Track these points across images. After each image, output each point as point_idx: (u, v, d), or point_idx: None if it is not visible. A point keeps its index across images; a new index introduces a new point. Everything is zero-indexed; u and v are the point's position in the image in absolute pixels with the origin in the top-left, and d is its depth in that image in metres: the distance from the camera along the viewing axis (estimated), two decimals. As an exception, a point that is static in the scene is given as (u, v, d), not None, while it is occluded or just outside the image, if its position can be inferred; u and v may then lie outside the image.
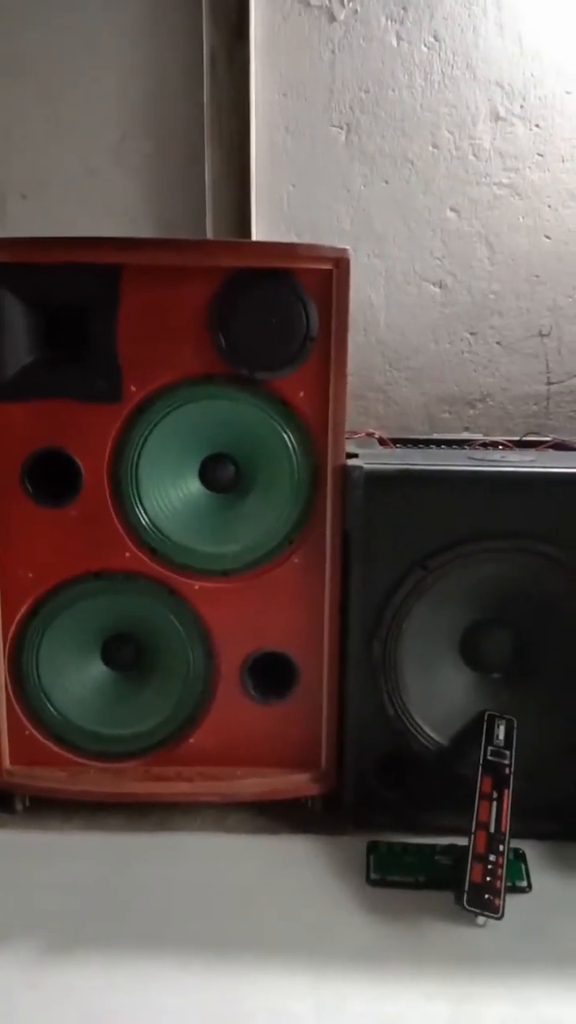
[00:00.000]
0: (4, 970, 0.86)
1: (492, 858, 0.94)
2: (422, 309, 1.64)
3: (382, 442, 1.35)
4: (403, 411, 1.68)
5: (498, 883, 0.92)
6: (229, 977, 0.86)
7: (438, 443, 1.38)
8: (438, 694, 1.08)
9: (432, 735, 1.08)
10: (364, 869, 1.02)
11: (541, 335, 1.65)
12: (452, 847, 1.02)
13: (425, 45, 1.55)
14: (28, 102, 1.58)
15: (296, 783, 1.12)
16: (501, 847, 0.95)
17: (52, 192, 1.60)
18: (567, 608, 1.04)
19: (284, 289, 0.99)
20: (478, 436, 1.48)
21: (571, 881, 1.01)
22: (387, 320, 1.64)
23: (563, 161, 1.58)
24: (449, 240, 1.62)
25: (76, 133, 1.58)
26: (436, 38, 1.54)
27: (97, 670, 1.13)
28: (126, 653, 1.13)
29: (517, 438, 1.42)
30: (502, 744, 1.03)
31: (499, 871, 0.93)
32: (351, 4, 1.53)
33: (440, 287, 1.63)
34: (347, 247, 1.00)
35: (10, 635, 1.09)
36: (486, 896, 0.91)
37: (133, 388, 1.02)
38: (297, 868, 1.04)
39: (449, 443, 1.38)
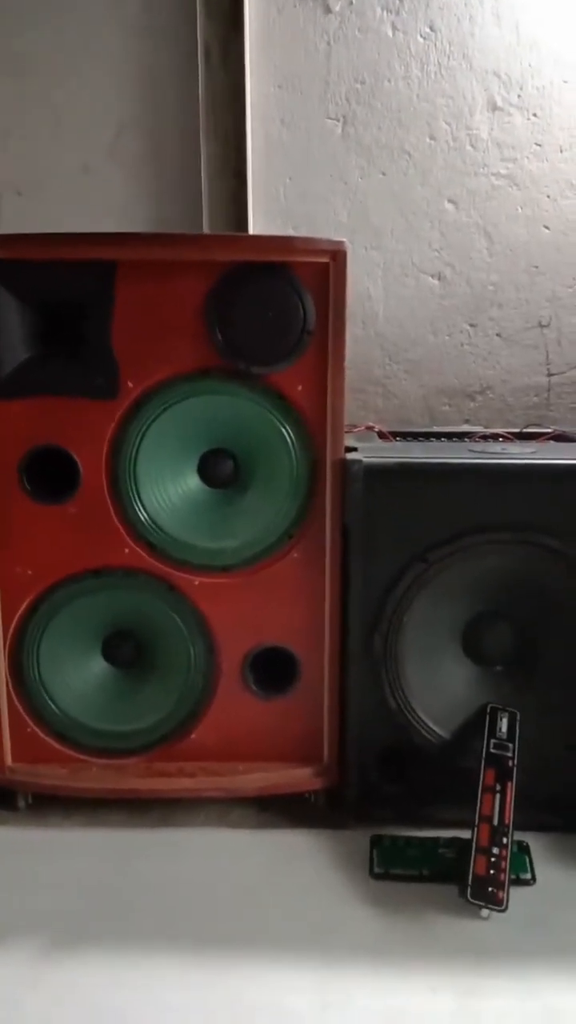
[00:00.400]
0: (6, 968, 0.86)
1: (496, 851, 0.94)
2: (421, 301, 1.64)
3: (381, 435, 1.34)
4: (402, 404, 1.67)
5: (502, 876, 0.92)
6: (233, 972, 0.86)
7: (438, 436, 1.38)
8: (440, 687, 1.08)
9: (434, 728, 1.07)
10: (367, 863, 1.02)
11: (541, 326, 1.64)
12: (455, 840, 1.02)
13: (421, 35, 1.54)
14: (23, 99, 1.57)
15: (298, 778, 1.12)
16: (505, 840, 0.95)
17: (48, 188, 1.60)
18: (568, 600, 1.04)
19: (281, 283, 0.99)
20: (478, 428, 1.47)
21: (575, 873, 1.01)
22: (385, 313, 1.64)
23: (561, 151, 1.57)
24: (447, 231, 1.61)
25: (71, 129, 1.58)
26: (432, 28, 1.53)
27: (98, 667, 1.13)
28: (127, 649, 1.13)
29: (518, 430, 1.42)
30: (505, 737, 1.03)
31: (503, 864, 0.93)
32: (346, -5, 1.53)
33: (439, 279, 1.63)
34: (344, 240, 1.00)
35: (10, 633, 1.09)
36: (490, 889, 0.91)
37: (130, 384, 1.02)
38: (300, 863, 1.03)
39: (449, 436, 1.38)
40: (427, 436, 1.38)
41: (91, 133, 1.59)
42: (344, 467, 1.03)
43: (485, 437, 1.35)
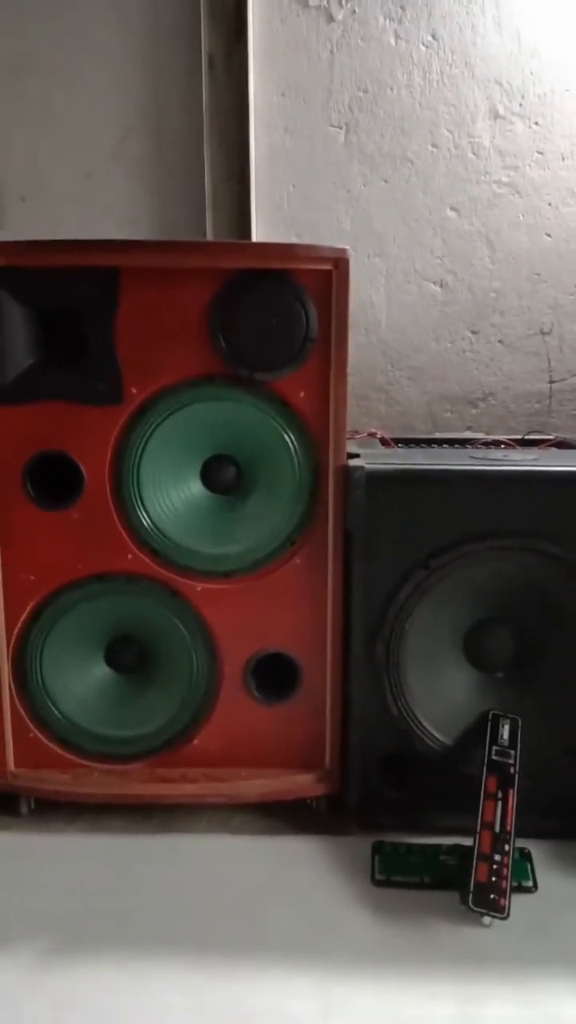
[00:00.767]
0: (8, 972, 0.86)
1: (497, 858, 0.94)
2: (423, 308, 1.64)
3: (384, 442, 1.35)
4: (405, 411, 1.68)
5: (503, 883, 0.92)
6: (234, 978, 0.86)
7: (440, 442, 1.38)
8: (441, 694, 1.08)
9: (436, 735, 1.07)
10: (369, 869, 1.02)
11: (543, 333, 1.65)
12: (457, 847, 1.02)
13: (423, 44, 1.55)
14: (27, 104, 1.58)
15: (300, 784, 1.12)
16: (506, 847, 0.95)
17: (51, 195, 1.61)
18: (570, 606, 1.04)
19: (284, 290, 0.99)
20: (480, 435, 1.47)
21: (577, 880, 1.01)
22: (388, 320, 1.64)
23: (563, 159, 1.58)
24: (449, 239, 1.62)
25: (75, 135, 1.59)
26: (434, 37, 1.54)
27: (100, 672, 1.13)
28: (129, 655, 1.13)
29: (519, 437, 1.42)
30: (506, 744, 1.03)
31: (504, 871, 0.93)
32: (349, 4, 1.53)
33: (441, 286, 1.63)
34: (346, 247, 1.00)
35: (13, 638, 1.09)
36: (491, 896, 0.91)
37: (134, 390, 1.02)
38: (302, 869, 1.03)
39: (451, 442, 1.38)
40: (429, 443, 1.38)
41: (95, 139, 1.60)
42: (347, 473, 1.03)
43: (487, 444, 1.35)
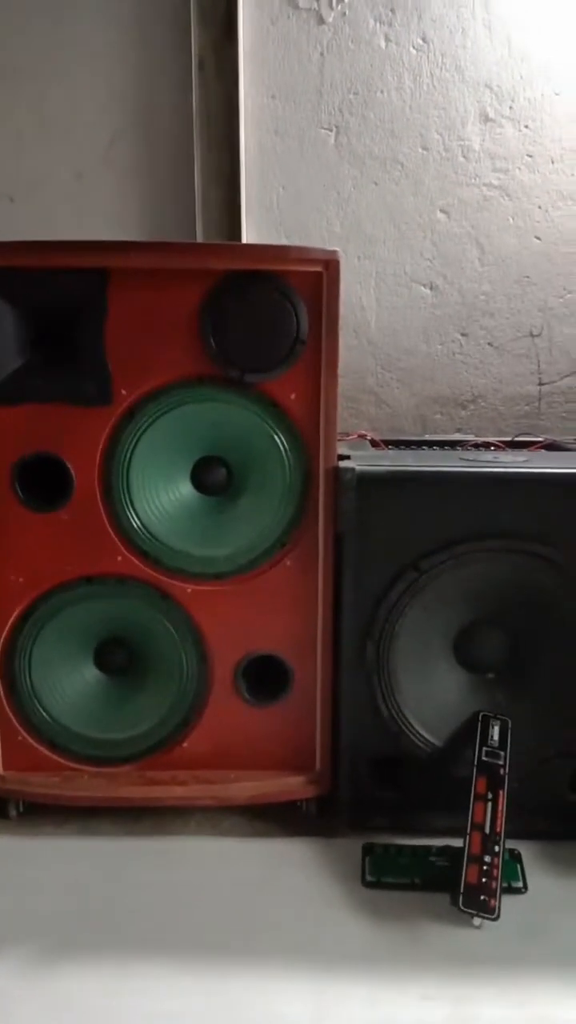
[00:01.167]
0: (-2, 977, 0.86)
1: (487, 859, 0.94)
2: (413, 310, 1.64)
3: (374, 444, 1.35)
4: (395, 412, 1.68)
5: (494, 884, 0.92)
6: (225, 981, 0.86)
7: (430, 444, 1.39)
8: (432, 695, 1.08)
9: (426, 736, 1.08)
10: (359, 871, 1.02)
11: (532, 336, 1.65)
12: (447, 848, 1.02)
13: (414, 47, 1.55)
14: (16, 105, 1.58)
15: (290, 786, 1.12)
16: (496, 848, 0.95)
17: (40, 196, 1.60)
18: (560, 608, 1.04)
19: (274, 291, 0.99)
20: (470, 437, 1.48)
21: (567, 881, 1.01)
22: (378, 322, 1.64)
23: (552, 162, 1.59)
24: (439, 241, 1.62)
25: (64, 136, 1.58)
26: (425, 40, 1.54)
27: (90, 675, 1.13)
28: (119, 657, 1.13)
29: (509, 439, 1.42)
30: (496, 745, 1.03)
31: (494, 872, 0.93)
32: (339, 6, 1.54)
33: (431, 288, 1.64)
34: (337, 249, 1.00)
35: (2, 641, 1.08)
36: (482, 897, 0.91)
37: (123, 391, 1.02)
38: (292, 871, 1.03)
39: (441, 444, 1.39)
40: (419, 444, 1.38)
41: (85, 140, 1.59)
42: (337, 475, 1.03)
43: (477, 446, 1.36)
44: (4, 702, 1.10)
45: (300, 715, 1.11)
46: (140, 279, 0.98)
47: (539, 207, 1.60)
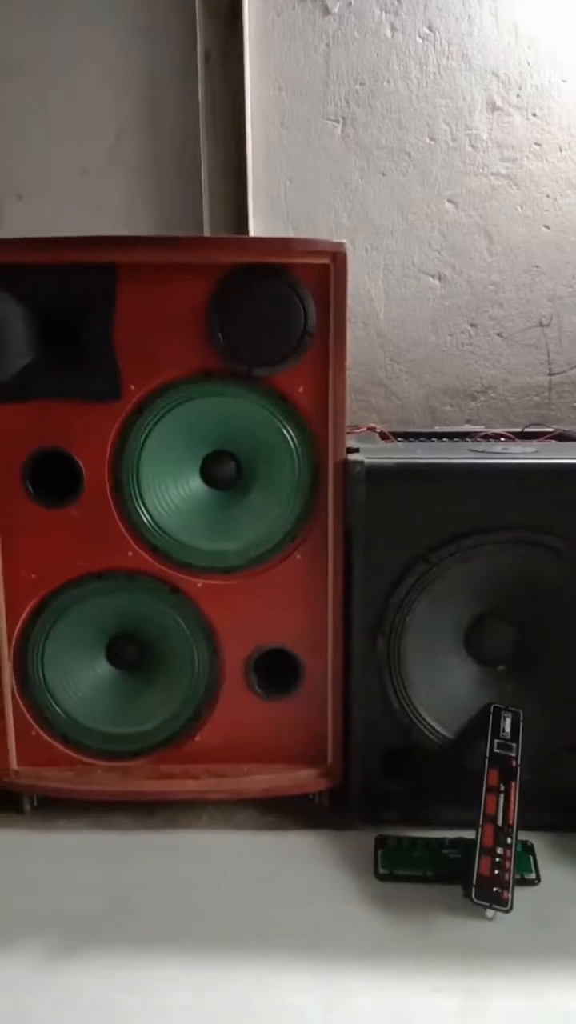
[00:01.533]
0: (12, 970, 0.87)
1: (500, 851, 0.94)
2: (421, 301, 1.64)
3: (383, 436, 1.35)
4: (404, 404, 1.68)
5: (506, 876, 0.92)
6: (238, 973, 0.86)
7: (440, 436, 1.38)
8: (443, 687, 1.08)
9: (438, 728, 1.07)
10: (372, 864, 1.02)
11: (542, 325, 1.64)
12: (460, 840, 1.02)
13: (420, 36, 1.54)
14: (22, 102, 1.58)
15: (303, 779, 1.12)
16: (509, 840, 0.95)
17: (48, 192, 1.60)
18: (570, 599, 1.04)
19: (282, 284, 0.99)
20: (480, 428, 1.47)
21: (580, 872, 1.02)
22: (386, 313, 1.64)
23: (560, 150, 1.57)
24: (448, 232, 1.61)
25: (71, 131, 1.58)
26: (431, 28, 1.53)
27: (102, 669, 1.14)
28: (131, 652, 1.13)
29: (519, 430, 1.42)
30: (508, 736, 1.03)
31: (507, 864, 0.93)
32: (345, -4, 1.53)
33: (439, 279, 1.63)
34: (344, 241, 1.00)
35: (14, 636, 1.09)
36: (494, 889, 0.91)
37: (132, 387, 1.02)
38: (305, 864, 1.04)
39: (451, 436, 1.38)
40: (429, 436, 1.38)
41: (91, 135, 1.59)
42: (346, 468, 1.03)
43: (487, 437, 1.35)
44: (17, 697, 1.11)
45: (311, 708, 1.11)
46: (148, 274, 0.98)
47: (548, 196, 1.59)
